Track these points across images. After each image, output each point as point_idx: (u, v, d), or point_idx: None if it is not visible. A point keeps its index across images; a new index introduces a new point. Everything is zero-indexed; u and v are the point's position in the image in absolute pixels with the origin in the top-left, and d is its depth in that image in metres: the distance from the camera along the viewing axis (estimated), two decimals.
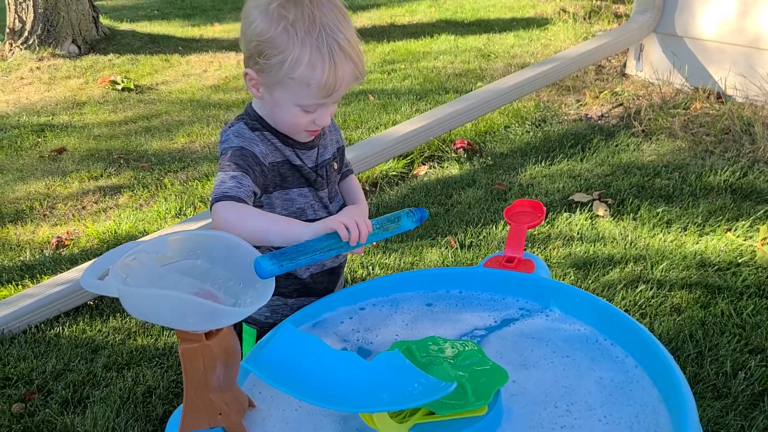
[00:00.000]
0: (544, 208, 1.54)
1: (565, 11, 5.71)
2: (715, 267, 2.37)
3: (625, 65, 4.31)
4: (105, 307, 2.48)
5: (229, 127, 1.32)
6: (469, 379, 1.11)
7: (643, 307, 2.21)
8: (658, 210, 2.74)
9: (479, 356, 1.17)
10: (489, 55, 4.91)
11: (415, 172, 3.31)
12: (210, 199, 1.24)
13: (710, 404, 1.80)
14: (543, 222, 2.71)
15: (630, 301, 2.24)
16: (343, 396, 1.05)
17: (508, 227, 1.49)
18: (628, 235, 2.59)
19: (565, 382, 1.15)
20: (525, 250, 1.50)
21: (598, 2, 5.76)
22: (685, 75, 3.86)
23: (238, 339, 1.17)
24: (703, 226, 2.63)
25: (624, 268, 2.40)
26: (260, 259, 1.08)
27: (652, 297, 2.24)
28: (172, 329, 1.09)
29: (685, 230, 2.61)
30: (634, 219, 2.71)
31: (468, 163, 3.32)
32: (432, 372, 1.11)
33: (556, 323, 1.32)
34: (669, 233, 2.59)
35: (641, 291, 2.27)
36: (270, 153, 1.31)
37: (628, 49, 4.24)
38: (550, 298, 1.37)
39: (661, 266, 2.38)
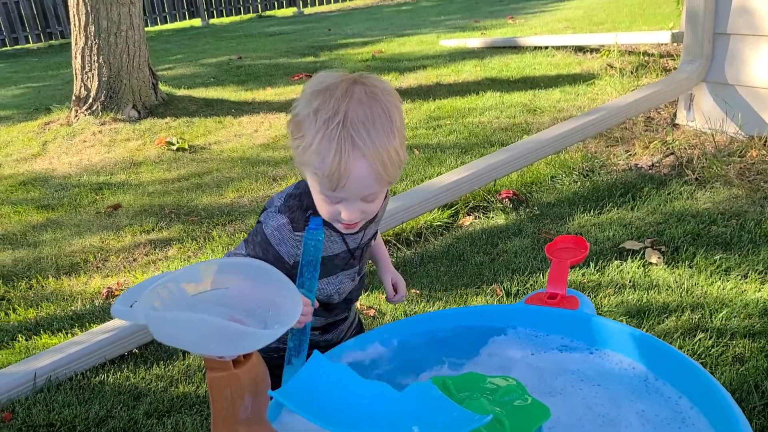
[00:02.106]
0: (588, 244, 1.49)
1: (612, 66, 5.70)
2: None
3: (675, 116, 4.23)
4: (149, 354, 2.49)
5: (276, 211, 1.30)
6: (507, 414, 1.05)
7: (703, 356, 2.08)
8: (715, 257, 2.61)
9: (519, 392, 1.11)
10: (535, 110, 4.91)
11: (459, 223, 3.27)
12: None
13: None
14: (592, 269, 2.62)
15: (688, 350, 2.11)
16: (372, 426, 1.01)
17: None
18: (683, 283, 2.47)
19: (601, 411, 1.08)
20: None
21: (646, 58, 5.73)
22: (738, 123, 3.76)
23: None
24: (765, 273, 2.49)
25: (680, 316, 2.28)
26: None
27: (712, 346, 2.11)
28: (202, 358, 1.07)
29: (746, 278, 2.48)
30: (690, 267, 2.59)
31: (514, 213, 3.27)
32: (468, 407, 1.05)
33: (600, 360, 1.24)
34: (728, 281, 2.46)
35: (700, 340, 2.14)
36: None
37: (677, 99, 4.17)
38: (595, 335, 1.30)
39: (721, 314, 2.25)
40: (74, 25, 5.24)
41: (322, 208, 1.24)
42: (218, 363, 1.09)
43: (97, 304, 2.88)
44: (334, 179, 1.15)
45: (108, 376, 2.37)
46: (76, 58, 5.35)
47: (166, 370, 2.39)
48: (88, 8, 5.12)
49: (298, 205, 1.30)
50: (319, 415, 1.01)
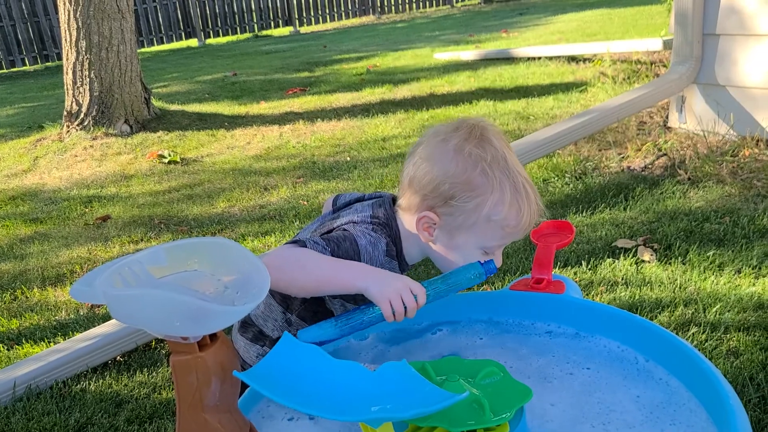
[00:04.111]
0: (574, 228, 1.45)
1: (604, 74, 5.70)
2: None
3: (667, 118, 4.21)
4: (133, 362, 2.44)
5: (372, 230, 1.22)
6: (487, 395, 1.00)
7: (697, 349, 2.02)
8: (708, 254, 2.57)
9: (501, 375, 1.06)
10: (528, 117, 4.89)
11: None
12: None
13: None
14: (584, 267, 2.58)
15: None
16: (343, 405, 0.96)
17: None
18: (676, 279, 2.43)
19: (598, 397, 1.03)
20: None
21: (639, 66, 5.73)
22: (730, 123, 3.73)
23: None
24: (759, 268, 2.44)
25: (674, 311, 2.23)
26: (302, 333, 1.09)
27: (706, 340, 2.06)
28: (165, 340, 1.03)
29: (740, 273, 2.43)
30: (683, 263, 2.54)
31: None
32: (447, 388, 1.01)
33: (588, 344, 1.20)
34: (721, 276, 2.41)
35: (694, 334, 2.09)
36: None
37: (669, 102, 4.16)
38: (583, 319, 1.25)
39: (715, 309, 2.20)
40: (65, 40, 5.25)
41: (471, 260, 1.19)
42: (182, 345, 1.04)
43: (81, 314, 2.83)
44: (526, 226, 1.18)
45: (90, 384, 2.32)
46: (67, 73, 5.35)
47: (150, 376, 2.34)
48: (79, 23, 5.13)
49: (388, 233, 1.25)
50: (288, 395, 0.97)
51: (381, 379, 1.01)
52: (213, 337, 1.06)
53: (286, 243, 1.20)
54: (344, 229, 1.25)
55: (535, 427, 0.98)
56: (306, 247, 1.17)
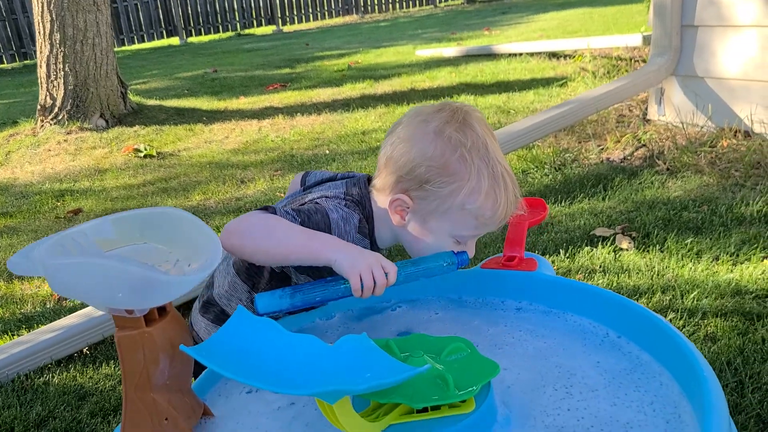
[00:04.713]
0: (547, 206, 1.40)
1: (585, 70, 5.69)
2: (753, 294, 2.15)
3: (646, 111, 4.20)
4: (99, 354, 2.36)
5: (345, 206, 1.18)
6: (453, 371, 0.95)
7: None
8: (686, 241, 2.54)
9: (468, 351, 1.01)
10: (509, 111, 4.87)
11: None
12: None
13: None
14: (562, 256, 2.54)
15: None
16: (297, 379, 0.90)
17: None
18: (654, 266, 2.40)
19: (555, 361, 0.99)
20: None
21: (619, 62, 5.73)
22: (708, 115, 3.72)
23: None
24: (737, 255, 2.42)
25: (651, 297, 2.20)
26: (259, 297, 1.04)
27: (684, 326, 2.03)
28: (109, 314, 0.97)
29: (717, 260, 2.41)
30: (661, 251, 2.52)
31: None
32: (410, 363, 0.96)
33: (557, 320, 1.15)
34: (699, 263, 2.39)
35: (671, 320, 2.06)
36: None
37: (648, 95, 4.14)
38: (554, 295, 1.20)
39: (692, 295, 2.17)
40: (39, 32, 5.14)
41: (442, 248, 1.16)
42: (128, 320, 0.97)
43: (48, 307, 2.75)
44: (501, 217, 1.13)
45: (53, 377, 2.24)
46: (41, 66, 5.24)
47: (116, 368, 2.26)
48: (53, 15, 5.03)
49: (361, 212, 1.20)
50: (238, 370, 0.91)
51: (338, 353, 0.95)
52: (162, 312, 1.00)
53: (255, 210, 1.14)
54: (316, 203, 1.20)
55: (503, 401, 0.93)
56: (276, 214, 1.12)
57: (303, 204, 1.22)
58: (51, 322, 2.58)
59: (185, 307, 2.31)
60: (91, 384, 2.20)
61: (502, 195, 1.10)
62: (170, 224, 1.03)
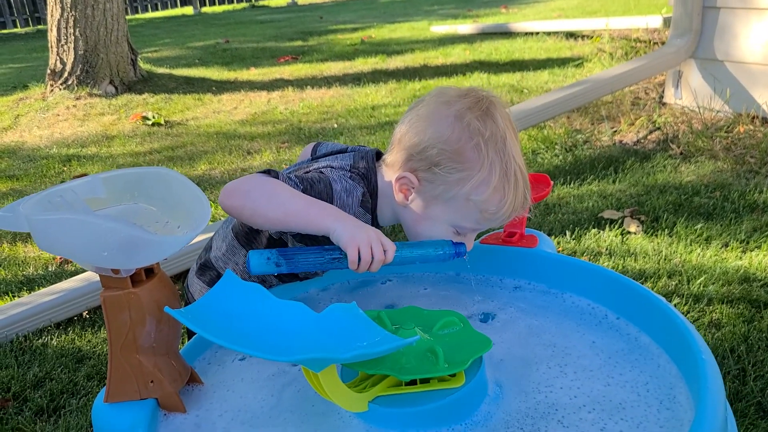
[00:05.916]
0: (551, 182, 1.36)
1: (602, 51, 5.59)
2: (761, 282, 2.11)
3: (663, 94, 4.11)
4: (98, 318, 2.36)
5: (350, 177, 1.15)
6: (444, 345, 0.92)
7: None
8: (696, 227, 2.49)
9: (460, 325, 0.98)
10: (522, 90, 4.79)
11: None
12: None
13: (754, 423, 1.53)
14: (568, 237, 2.50)
15: None
16: (282, 346, 0.88)
17: None
18: (662, 251, 2.35)
19: (548, 339, 0.96)
20: None
21: (638, 44, 5.62)
22: (726, 99, 3.64)
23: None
24: (747, 242, 2.37)
25: (657, 282, 2.16)
26: (252, 254, 1.00)
27: (688, 311, 1.99)
28: (96, 273, 0.94)
29: (727, 246, 2.36)
30: (669, 235, 2.47)
31: None
32: (400, 335, 0.93)
33: (555, 299, 1.12)
34: (708, 249, 2.34)
35: (676, 305, 2.02)
36: None
37: (665, 78, 4.06)
38: (554, 273, 1.17)
39: (699, 281, 2.13)
40: None
41: (440, 235, 1.12)
42: (114, 280, 0.95)
43: (50, 270, 2.74)
44: (506, 215, 1.08)
45: (52, 339, 2.24)
46: (51, 30, 5.21)
47: None
48: None
49: (365, 186, 1.17)
50: (223, 334, 0.88)
51: (326, 321, 0.93)
52: (150, 273, 0.98)
53: (257, 172, 1.11)
54: (321, 172, 1.17)
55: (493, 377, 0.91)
56: (278, 179, 1.09)
57: (308, 172, 1.18)
58: (51, 283, 2.58)
59: (184, 277, 2.30)
60: (89, 347, 2.19)
61: (510, 193, 1.06)
62: (162, 185, 1.01)
